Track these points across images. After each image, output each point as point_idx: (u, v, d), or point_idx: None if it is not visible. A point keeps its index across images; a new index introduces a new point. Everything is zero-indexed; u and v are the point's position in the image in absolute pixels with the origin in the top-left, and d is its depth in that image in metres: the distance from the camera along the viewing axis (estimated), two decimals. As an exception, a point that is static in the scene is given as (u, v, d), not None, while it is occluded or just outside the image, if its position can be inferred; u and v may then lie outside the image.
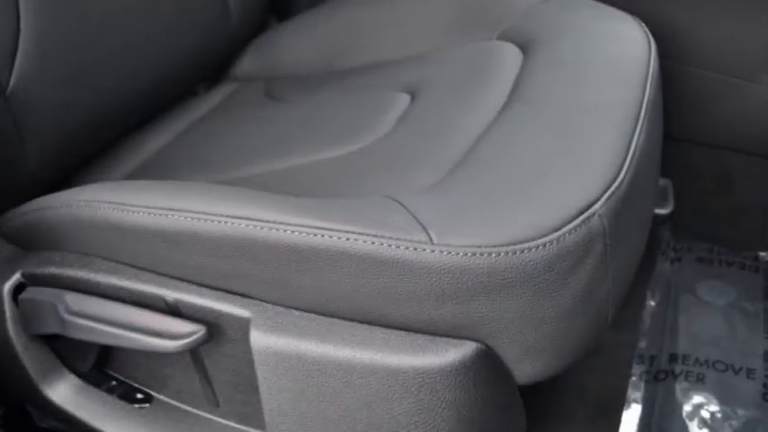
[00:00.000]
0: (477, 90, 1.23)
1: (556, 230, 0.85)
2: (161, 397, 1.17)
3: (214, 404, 1.11)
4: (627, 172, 0.95)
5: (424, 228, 0.86)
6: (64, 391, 1.18)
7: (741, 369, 1.42)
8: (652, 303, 1.57)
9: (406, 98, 1.29)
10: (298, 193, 1.00)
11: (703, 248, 1.68)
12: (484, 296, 0.86)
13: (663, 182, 1.60)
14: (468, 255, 0.84)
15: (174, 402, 1.16)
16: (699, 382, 1.39)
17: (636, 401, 1.39)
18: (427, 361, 0.88)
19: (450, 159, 1.04)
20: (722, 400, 1.36)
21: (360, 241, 0.86)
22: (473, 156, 1.02)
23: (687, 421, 1.34)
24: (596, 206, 0.88)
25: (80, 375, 1.19)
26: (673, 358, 1.44)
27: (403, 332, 0.91)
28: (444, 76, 1.33)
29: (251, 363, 0.96)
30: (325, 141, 1.22)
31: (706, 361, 1.43)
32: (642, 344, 1.49)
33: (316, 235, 0.88)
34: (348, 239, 0.87)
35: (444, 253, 0.84)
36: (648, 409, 1.37)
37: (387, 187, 1.02)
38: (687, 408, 1.36)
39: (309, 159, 1.19)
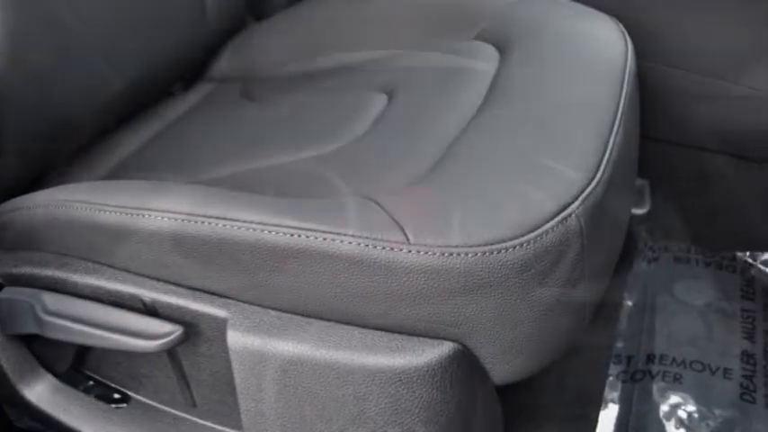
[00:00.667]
0: (454, 90, 1.23)
1: (533, 230, 0.86)
2: (138, 397, 1.17)
3: (191, 404, 1.11)
4: (604, 172, 0.96)
5: (401, 228, 0.86)
6: (41, 391, 1.18)
7: (718, 369, 1.43)
8: (629, 303, 1.57)
9: (383, 98, 1.29)
10: (275, 194, 1.00)
11: (680, 248, 1.69)
12: (461, 296, 0.86)
13: (639, 182, 1.60)
14: (446, 255, 0.84)
15: (151, 402, 1.16)
16: (676, 382, 1.40)
17: (613, 401, 1.39)
18: (404, 361, 0.88)
19: (428, 160, 1.04)
20: (699, 400, 1.37)
21: (337, 241, 0.86)
22: (450, 156, 1.02)
23: (664, 421, 1.34)
24: (573, 206, 0.89)
25: (57, 375, 1.19)
26: (650, 358, 1.44)
27: (380, 332, 0.91)
28: (421, 76, 1.33)
29: (228, 363, 0.96)
30: (303, 142, 1.22)
31: (683, 361, 1.44)
32: (619, 344, 1.49)
33: (293, 235, 0.88)
34: (325, 239, 0.87)
35: (421, 253, 0.84)
36: (625, 409, 1.38)
37: (364, 187, 1.02)
38: (664, 408, 1.36)
39: (286, 160, 1.18)
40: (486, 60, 1.30)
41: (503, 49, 1.31)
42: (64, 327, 1.07)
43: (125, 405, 1.17)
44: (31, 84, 1.20)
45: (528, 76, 1.19)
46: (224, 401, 1.07)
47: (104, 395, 1.18)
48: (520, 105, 1.11)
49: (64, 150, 1.34)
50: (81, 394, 1.18)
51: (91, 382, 1.19)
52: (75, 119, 1.30)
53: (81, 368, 1.20)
